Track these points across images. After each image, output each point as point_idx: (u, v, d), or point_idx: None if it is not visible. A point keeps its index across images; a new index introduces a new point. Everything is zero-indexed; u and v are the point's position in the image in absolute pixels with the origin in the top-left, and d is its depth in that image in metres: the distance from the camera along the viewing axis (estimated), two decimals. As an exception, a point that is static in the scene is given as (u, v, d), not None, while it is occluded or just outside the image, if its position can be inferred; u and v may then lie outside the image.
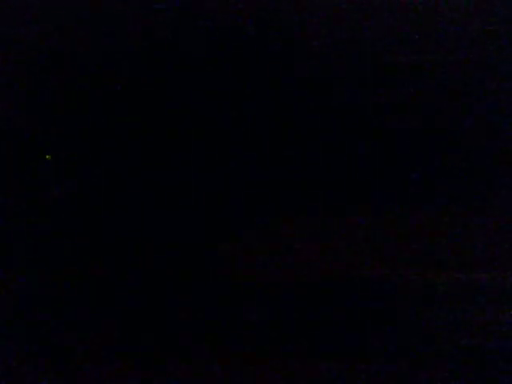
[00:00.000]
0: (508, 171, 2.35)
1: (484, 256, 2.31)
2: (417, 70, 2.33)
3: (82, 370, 2.25)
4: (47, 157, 2.39)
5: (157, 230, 2.36)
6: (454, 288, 2.33)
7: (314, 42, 2.32)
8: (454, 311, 2.32)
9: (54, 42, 2.36)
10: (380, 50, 2.30)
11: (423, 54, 2.34)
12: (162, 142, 2.35)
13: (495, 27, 2.27)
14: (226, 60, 2.30)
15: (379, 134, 2.30)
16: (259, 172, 2.31)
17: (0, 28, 2.28)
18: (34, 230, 2.35)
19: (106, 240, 2.36)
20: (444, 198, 2.35)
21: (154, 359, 2.28)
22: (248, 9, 2.32)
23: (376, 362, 2.29)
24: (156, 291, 2.37)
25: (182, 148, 2.33)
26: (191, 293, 2.35)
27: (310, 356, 2.32)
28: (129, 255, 2.35)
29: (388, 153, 2.31)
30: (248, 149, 2.30)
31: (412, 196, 2.36)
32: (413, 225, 2.33)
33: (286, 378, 2.32)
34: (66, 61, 2.35)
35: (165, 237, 2.35)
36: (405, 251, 2.33)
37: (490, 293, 2.32)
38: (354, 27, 2.29)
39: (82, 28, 2.32)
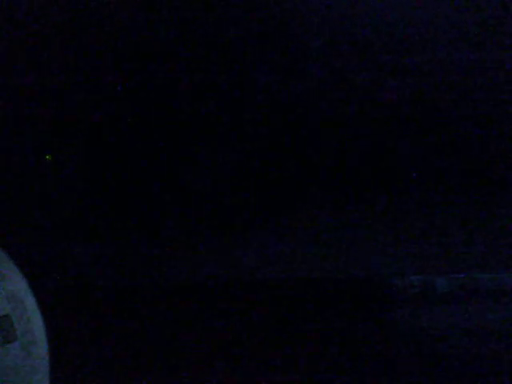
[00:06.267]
0: (508, 170, 2.33)
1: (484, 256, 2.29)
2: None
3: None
4: (47, 157, 2.40)
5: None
6: (454, 288, 2.31)
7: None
8: (453, 312, 2.29)
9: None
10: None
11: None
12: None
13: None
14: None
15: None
16: None
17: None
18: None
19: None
20: (443, 197, 2.33)
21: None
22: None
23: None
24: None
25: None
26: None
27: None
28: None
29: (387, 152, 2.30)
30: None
31: (409, 195, 2.35)
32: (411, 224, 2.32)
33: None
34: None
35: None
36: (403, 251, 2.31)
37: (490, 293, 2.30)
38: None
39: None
